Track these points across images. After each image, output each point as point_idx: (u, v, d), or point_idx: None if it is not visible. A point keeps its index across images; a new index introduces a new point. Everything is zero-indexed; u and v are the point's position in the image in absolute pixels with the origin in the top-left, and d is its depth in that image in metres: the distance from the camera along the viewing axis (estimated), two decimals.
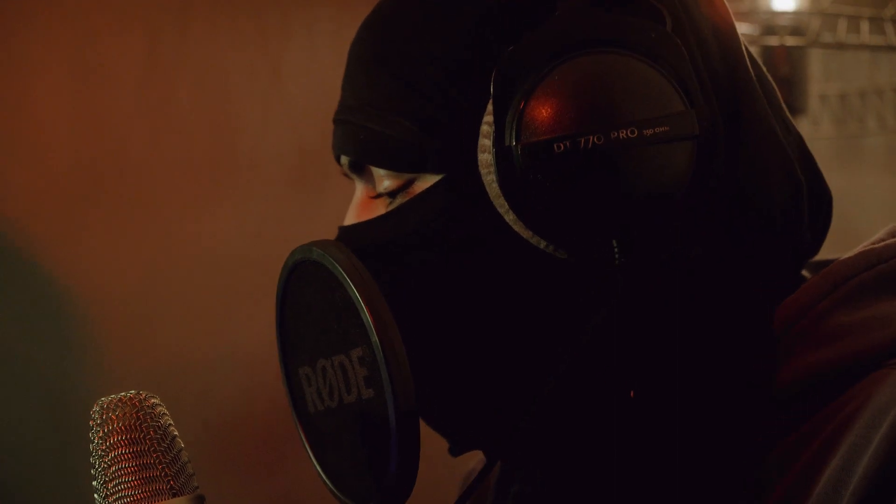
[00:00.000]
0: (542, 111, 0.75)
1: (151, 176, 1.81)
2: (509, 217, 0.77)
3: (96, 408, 0.77)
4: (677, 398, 0.79)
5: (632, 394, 0.79)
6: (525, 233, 0.77)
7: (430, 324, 0.81)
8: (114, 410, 0.76)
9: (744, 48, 0.85)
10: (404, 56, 0.82)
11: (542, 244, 0.77)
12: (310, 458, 0.84)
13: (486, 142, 0.77)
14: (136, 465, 0.75)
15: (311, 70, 1.89)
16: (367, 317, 0.74)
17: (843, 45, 1.68)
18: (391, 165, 0.83)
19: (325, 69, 1.87)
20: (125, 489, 0.75)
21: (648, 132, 0.74)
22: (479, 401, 0.83)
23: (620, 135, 0.74)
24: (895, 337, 0.78)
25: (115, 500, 0.75)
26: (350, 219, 0.87)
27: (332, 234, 2.04)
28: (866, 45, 1.67)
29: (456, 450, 0.89)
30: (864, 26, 1.64)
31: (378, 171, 0.84)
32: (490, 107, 0.76)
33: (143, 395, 0.77)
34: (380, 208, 0.85)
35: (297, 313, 0.82)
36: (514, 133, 0.75)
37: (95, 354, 1.78)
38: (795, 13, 1.66)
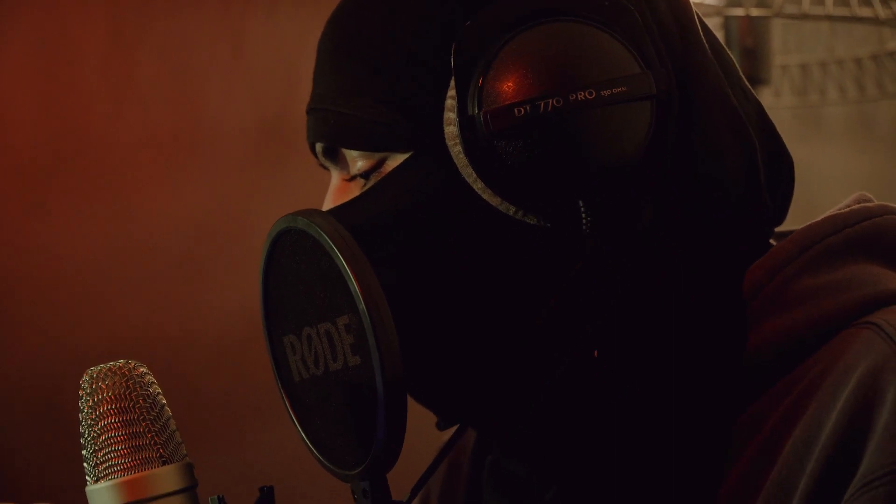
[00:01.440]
0: (502, 79, 0.77)
1: (114, 151, 1.81)
2: (478, 186, 0.79)
3: (86, 377, 0.77)
4: (647, 364, 0.80)
5: (595, 353, 0.80)
6: (494, 199, 0.79)
7: (410, 298, 0.81)
8: (103, 380, 0.77)
9: (696, 16, 0.87)
10: (369, 41, 0.84)
11: (512, 210, 0.79)
12: (295, 426, 0.84)
13: (450, 115, 0.79)
14: (125, 433, 0.76)
15: (271, 45, 1.89)
16: (353, 284, 0.74)
17: (807, 15, 1.71)
18: (362, 146, 0.84)
19: (285, 44, 1.88)
20: (115, 457, 0.76)
21: (606, 93, 0.76)
22: (460, 372, 0.84)
23: (579, 97, 0.76)
24: (862, 299, 0.80)
25: (104, 469, 0.76)
26: (327, 205, 0.88)
27: (295, 207, 2.03)
28: (831, 16, 1.69)
29: (443, 424, 0.90)
30: None
31: (351, 154, 0.86)
32: (453, 82, 0.78)
33: (133, 364, 0.78)
34: (355, 191, 0.86)
35: (281, 282, 0.82)
36: (476, 102, 0.77)
37: (59, 330, 1.78)
38: None
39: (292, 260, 0.81)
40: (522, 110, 0.76)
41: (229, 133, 1.89)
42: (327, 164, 0.89)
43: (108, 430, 0.76)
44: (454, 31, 0.79)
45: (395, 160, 0.83)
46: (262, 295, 0.84)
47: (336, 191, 0.88)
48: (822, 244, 0.83)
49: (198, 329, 1.86)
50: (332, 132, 0.86)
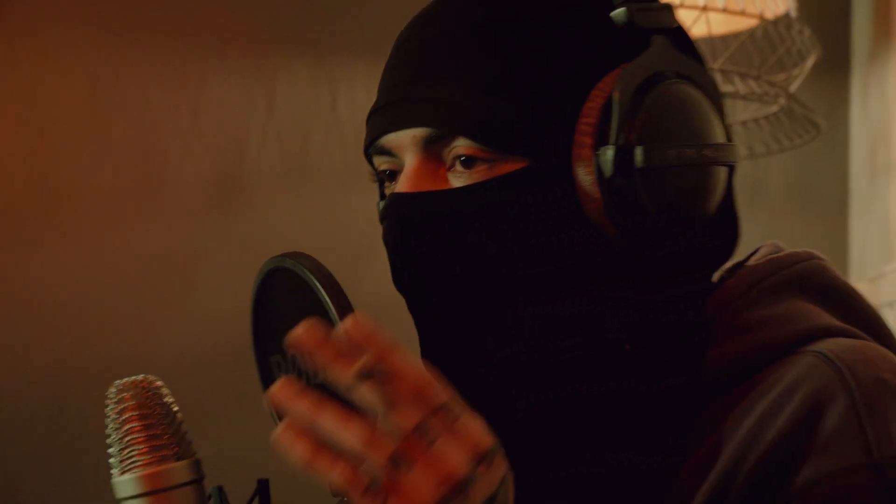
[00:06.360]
0: (654, 120, 0.87)
1: (90, 197, 2.01)
2: (591, 206, 0.88)
3: (112, 389, 0.89)
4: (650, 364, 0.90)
5: (627, 347, 0.90)
6: (601, 220, 0.88)
7: (496, 293, 0.89)
8: (127, 391, 0.89)
9: None
10: (510, 40, 0.88)
11: (612, 232, 0.88)
12: None
13: (585, 139, 0.87)
14: (146, 435, 0.88)
15: (224, 109, 2.10)
16: (333, 313, 0.84)
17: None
18: (492, 143, 0.87)
19: (236, 109, 2.08)
20: (137, 454, 0.87)
21: (720, 155, 0.91)
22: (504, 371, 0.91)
23: (709, 153, 0.90)
24: (802, 331, 0.92)
25: (129, 463, 0.87)
26: (408, 188, 0.91)
27: (243, 247, 2.18)
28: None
29: None
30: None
31: (459, 147, 0.89)
32: (586, 110, 0.87)
33: (151, 378, 0.90)
34: (442, 180, 0.90)
35: (268, 313, 0.91)
36: (628, 135, 0.86)
37: (51, 345, 1.96)
38: None
39: (280, 295, 0.90)
40: (674, 153, 0.87)
41: (188, 183, 2.09)
42: (414, 151, 0.90)
43: (132, 432, 0.87)
44: (597, 68, 0.88)
45: (510, 164, 0.88)
46: (252, 321, 0.93)
47: (419, 176, 0.91)
48: (767, 282, 0.94)
49: (159, 350, 2.03)
50: (454, 122, 0.87)
